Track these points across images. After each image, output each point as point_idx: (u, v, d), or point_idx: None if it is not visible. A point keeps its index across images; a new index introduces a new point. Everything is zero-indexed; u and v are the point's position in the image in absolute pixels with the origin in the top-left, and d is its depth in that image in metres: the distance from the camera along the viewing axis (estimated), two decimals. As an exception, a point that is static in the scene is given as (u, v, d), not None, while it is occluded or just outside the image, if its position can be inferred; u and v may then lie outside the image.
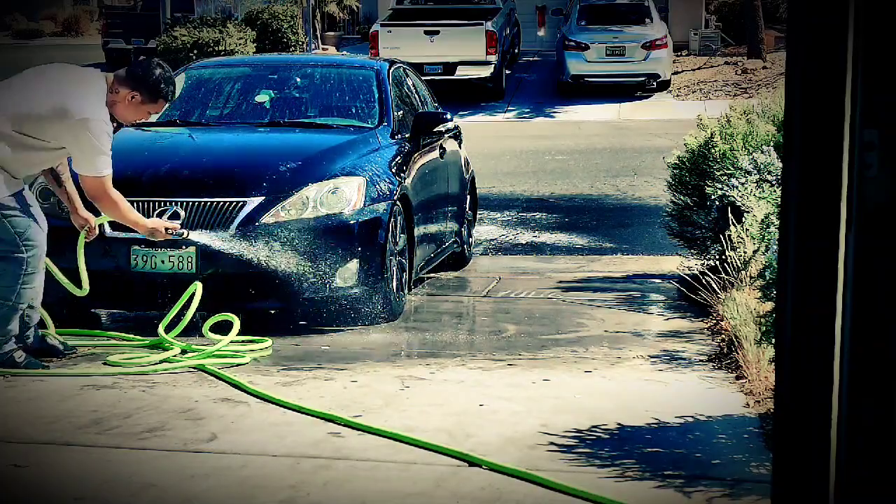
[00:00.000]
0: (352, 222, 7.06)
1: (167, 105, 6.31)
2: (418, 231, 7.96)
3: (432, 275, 8.93)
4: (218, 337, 6.45)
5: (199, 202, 6.90)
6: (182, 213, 6.84)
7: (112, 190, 6.06)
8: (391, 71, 8.89)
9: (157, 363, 6.15)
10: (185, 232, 6.52)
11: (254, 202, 6.96)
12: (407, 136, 8.32)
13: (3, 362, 5.92)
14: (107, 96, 6.00)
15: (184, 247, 6.76)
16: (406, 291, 7.63)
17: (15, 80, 6.09)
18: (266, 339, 6.59)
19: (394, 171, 7.65)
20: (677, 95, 24.12)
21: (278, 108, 8.53)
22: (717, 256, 7.36)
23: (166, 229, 6.37)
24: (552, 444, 4.76)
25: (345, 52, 25.69)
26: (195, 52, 23.66)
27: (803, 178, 2.92)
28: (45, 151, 5.95)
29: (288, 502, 4.19)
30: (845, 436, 2.94)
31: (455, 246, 9.36)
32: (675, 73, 25.43)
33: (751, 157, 7.50)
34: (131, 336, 6.74)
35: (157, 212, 6.81)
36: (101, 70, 6.20)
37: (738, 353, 5.86)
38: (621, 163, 16.52)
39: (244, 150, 7.83)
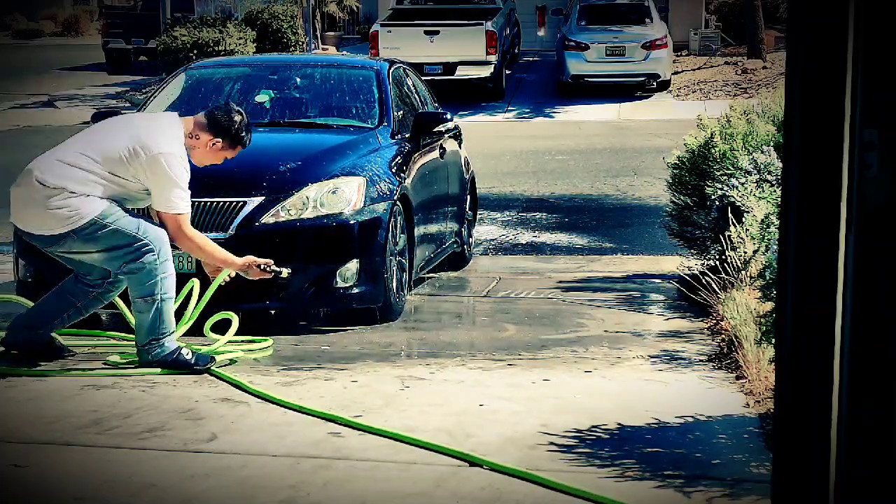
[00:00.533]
0: (352, 222, 7.06)
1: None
2: (418, 231, 7.96)
3: (432, 275, 8.93)
4: (218, 336, 6.46)
5: (199, 202, 6.89)
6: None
7: (189, 229, 6.08)
8: (391, 71, 8.89)
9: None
10: (285, 270, 6.37)
11: (254, 202, 6.96)
12: (407, 136, 8.33)
13: (174, 361, 5.96)
14: (184, 139, 6.07)
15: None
16: (406, 291, 7.63)
17: (99, 125, 6.32)
18: (267, 339, 6.59)
19: (394, 171, 7.65)
20: (677, 95, 24.12)
21: (278, 108, 8.53)
22: (717, 256, 7.36)
23: (260, 266, 6.30)
24: (552, 444, 4.77)
25: (345, 52, 25.70)
26: (195, 52, 23.65)
27: (803, 178, 2.92)
28: (142, 190, 6.02)
29: (288, 502, 4.19)
30: (845, 436, 2.94)
31: (455, 246, 9.36)
32: (675, 73, 25.42)
33: (751, 157, 7.50)
34: (131, 336, 6.73)
35: None
36: (174, 112, 6.27)
37: (738, 353, 5.87)
38: (621, 163, 16.51)
39: (244, 150, 7.81)
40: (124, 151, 5.89)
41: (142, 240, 5.91)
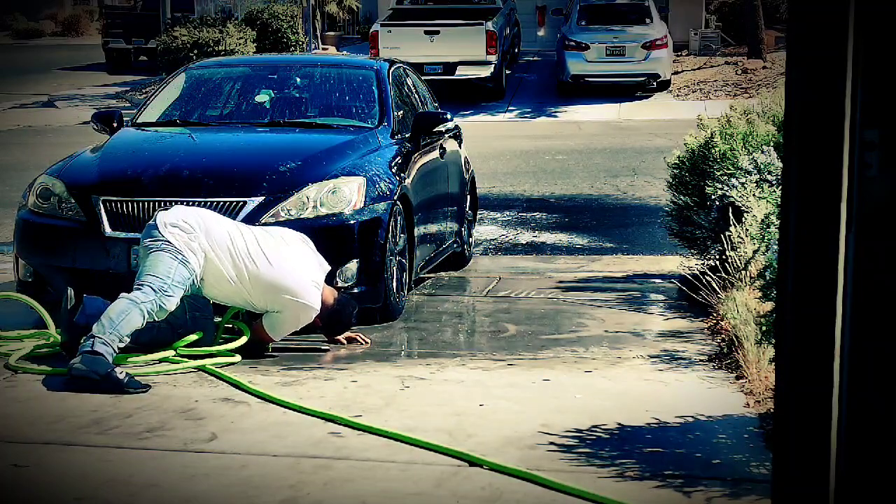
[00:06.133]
0: (352, 222, 7.06)
1: None
2: (418, 231, 7.96)
3: (432, 275, 8.93)
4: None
5: (200, 202, 6.90)
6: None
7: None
8: (391, 71, 8.89)
9: (156, 363, 6.14)
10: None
11: (254, 202, 6.96)
12: (407, 136, 8.32)
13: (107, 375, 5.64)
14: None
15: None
16: (406, 291, 7.63)
17: (260, 234, 6.48)
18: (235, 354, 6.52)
19: (394, 171, 7.64)
20: (677, 95, 24.13)
21: (278, 108, 8.53)
22: (717, 256, 7.36)
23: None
24: (552, 444, 4.77)
25: (345, 52, 25.70)
26: (195, 52, 23.66)
27: (803, 178, 2.92)
28: (244, 298, 6.35)
29: (288, 502, 4.19)
30: (845, 436, 2.94)
31: (455, 246, 9.36)
32: (675, 73, 25.43)
33: (751, 157, 7.50)
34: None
35: (157, 212, 6.79)
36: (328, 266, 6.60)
37: (738, 353, 5.87)
38: (621, 163, 16.51)
39: (244, 150, 7.82)
40: (273, 283, 6.26)
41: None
